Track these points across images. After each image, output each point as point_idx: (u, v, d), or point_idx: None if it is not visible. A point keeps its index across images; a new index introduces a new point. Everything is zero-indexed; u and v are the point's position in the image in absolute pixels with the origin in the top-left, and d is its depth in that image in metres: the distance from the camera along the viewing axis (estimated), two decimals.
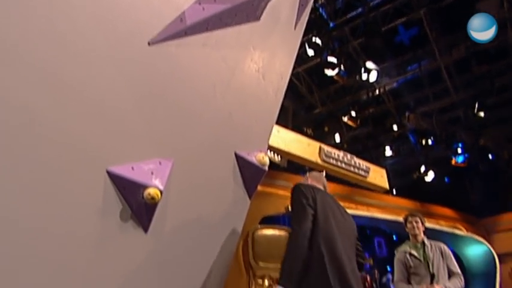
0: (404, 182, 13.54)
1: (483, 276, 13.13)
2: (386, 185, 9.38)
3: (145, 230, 1.71)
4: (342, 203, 10.53)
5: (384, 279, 12.54)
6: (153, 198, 1.63)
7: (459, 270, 3.72)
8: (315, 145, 8.44)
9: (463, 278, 3.64)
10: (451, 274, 3.65)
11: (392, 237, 15.49)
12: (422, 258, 3.68)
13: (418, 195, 13.49)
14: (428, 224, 13.28)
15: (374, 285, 11.80)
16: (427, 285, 3.44)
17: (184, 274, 2.07)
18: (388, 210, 12.70)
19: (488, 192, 12.47)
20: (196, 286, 2.16)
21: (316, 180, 2.80)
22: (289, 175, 10.20)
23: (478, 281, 13.40)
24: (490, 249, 12.90)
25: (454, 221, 13.87)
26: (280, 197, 9.97)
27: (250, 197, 2.55)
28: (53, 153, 1.37)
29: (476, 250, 13.47)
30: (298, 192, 2.50)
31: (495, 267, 12.86)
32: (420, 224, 3.89)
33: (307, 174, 2.93)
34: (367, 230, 14.59)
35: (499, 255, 13.16)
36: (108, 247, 1.59)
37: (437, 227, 12.49)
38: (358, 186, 12.98)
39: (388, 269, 13.73)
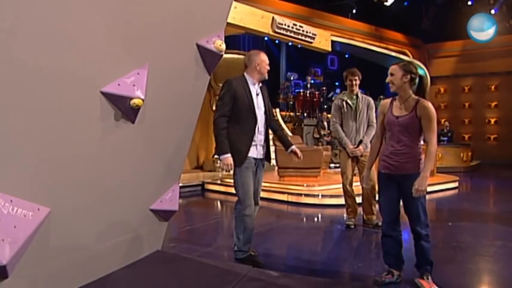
0: (363, 6, 13.66)
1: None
2: (329, 48, 10.67)
3: (133, 121, 2.30)
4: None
5: (331, 94, 13.75)
6: (137, 105, 2.17)
7: (375, 121, 4.70)
8: (268, 16, 8.69)
9: None
10: (369, 123, 4.64)
11: (345, 55, 16.44)
12: (354, 107, 4.59)
13: (374, 20, 13.91)
14: (378, 49, 14.10)
15: (321, 99, 13.09)
16: (353, 145, 4.47)
17: (163, 137, 2.79)
18: (346, 33, 13.28)
19: (439, 20, 13.10)
20: (172, 137, 2.92)
21: None
22: None
23: None
24: (426, 73, 14.51)
25: (402, 45, 14.90)
26: None
27: (209, 74, 3.09)
28: (65, 88, 1.83)
29: None
30: None
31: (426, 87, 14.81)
32: (358, 81, 4.61)
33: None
34: None
35: (432, 78, 14.94)
36: (109, 135, 2.19)
37: (386, 51, 13.52)
38: (319, 8, 13.09)
39: (337, 83, 15.14)
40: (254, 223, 3.30)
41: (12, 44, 1.60)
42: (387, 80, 2.81)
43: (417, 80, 2.75)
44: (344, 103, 4.66)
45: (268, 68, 3.37)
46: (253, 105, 3.25)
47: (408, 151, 2.71)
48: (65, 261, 2.21)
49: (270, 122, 3.44)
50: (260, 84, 3.39)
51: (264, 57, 3.34)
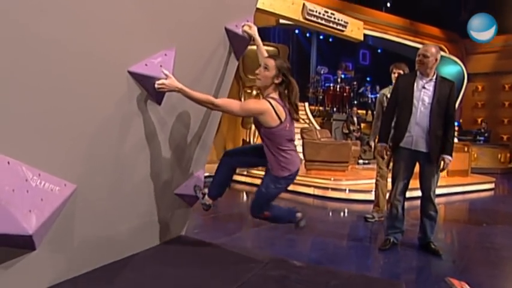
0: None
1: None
2: (361, 37, 10.06)
3: (159, 103, 2.32)
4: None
5: (362, 90, 13.49)
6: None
7: None
8: (299, 3, 8.42)
9: None
10: None
11: (377, 50, 16.07)
12: None
13: (409, 13, 13.43)
14: (413, 44, 13.57)
15: (351, 94, 12.85)
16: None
17: (189, 121, 2.79)
18: (379, 27, 12.90)
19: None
20: (199, 120, 2.91)
21: None
22: None
23: None
24: (463, 69, 13.88)
25: (438, 40, 14.31)
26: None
27: (238, 59, 3.06)
28: (93, 67, 1.85)
29: (451, 70, 14.45)
30: None
31: (462, 84, 14.19)
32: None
33: None
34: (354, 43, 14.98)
35: (469, 74, 14.29)
36: (135, 116, 2.20)
37: (421, 46, 13.01)
38: (351, 1, 12.77)
39: (368, 78, 14.83)
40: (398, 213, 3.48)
41: (41, 23, 1.62)
42: (257, 71, 2.44)
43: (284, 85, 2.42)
44: (385, 98, 4.47)
45: (418, 59, 3.26)
46: (411, 98, 3.28)
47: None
48: (90, 239, 2.25)
49: (443, 119, 3.25)
50: (431, 78, 3.27)
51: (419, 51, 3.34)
